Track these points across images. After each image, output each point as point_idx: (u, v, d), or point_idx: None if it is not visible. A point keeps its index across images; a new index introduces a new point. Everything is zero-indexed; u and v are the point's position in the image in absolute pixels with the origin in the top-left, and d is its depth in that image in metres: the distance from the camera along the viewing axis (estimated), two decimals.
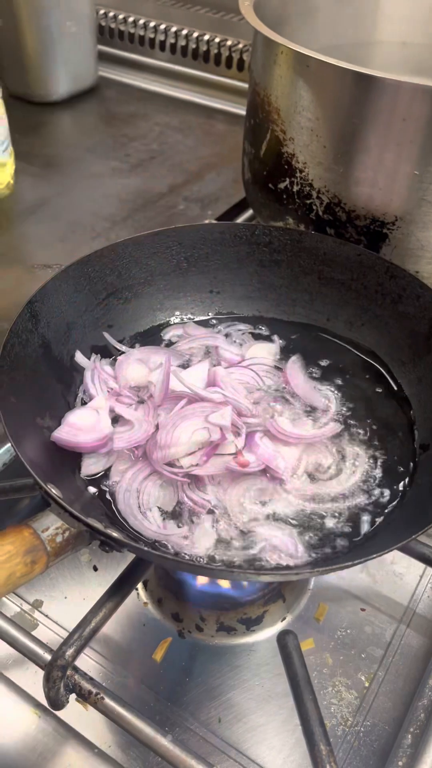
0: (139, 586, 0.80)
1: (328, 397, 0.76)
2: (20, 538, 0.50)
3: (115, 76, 1.67)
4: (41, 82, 1.48)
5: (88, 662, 0.74)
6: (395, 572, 0.84)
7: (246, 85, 1.48)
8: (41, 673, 0.58)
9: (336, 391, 0.77)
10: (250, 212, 1.18)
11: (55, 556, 0.51)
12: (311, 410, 0.74)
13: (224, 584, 0.75)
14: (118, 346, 0.80)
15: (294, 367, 0.79)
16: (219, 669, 0.75)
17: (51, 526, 0.52)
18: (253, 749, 0.69)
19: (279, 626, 0.78)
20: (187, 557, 0.59)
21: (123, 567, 0.78)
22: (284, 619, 0.78)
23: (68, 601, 0.80)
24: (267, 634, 0.77)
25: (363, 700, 0.72)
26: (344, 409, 0.75)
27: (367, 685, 0.73)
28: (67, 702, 0.57)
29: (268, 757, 0.68)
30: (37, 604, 0.80)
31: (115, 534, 0.51)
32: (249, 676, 0.74)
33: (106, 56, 1.68)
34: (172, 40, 1.63)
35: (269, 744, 0.69)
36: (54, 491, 0.53)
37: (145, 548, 0.53)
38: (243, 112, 1.45)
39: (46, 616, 0.79)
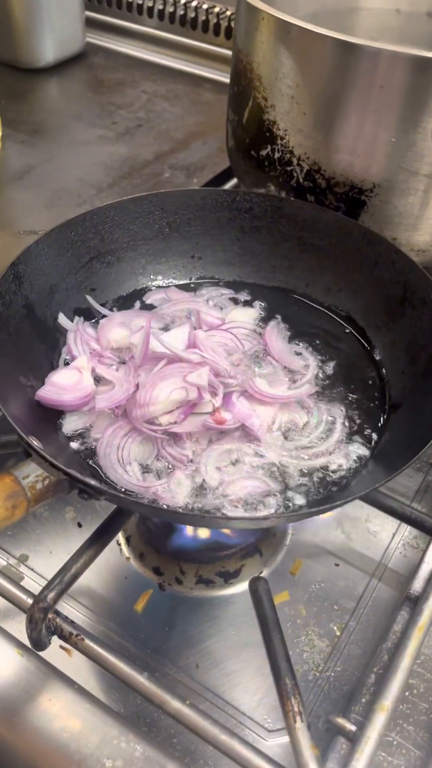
0: (122, 542, 0.83)
1: (305, 360, 0.79)
2: (2, 485, 0.52)
3: (102, 42, 1.66)
4: (28, 48, 1.47)
5: (72, 613, 0.77)
6: (369, 530, 0.87)
7: None
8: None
9: (313, 354, 0.79)
10: (234, 180, 1.19)
11: (35, 502, 0.54)
12: (289, 372, 0.77)
13: (203, 536, 0.78)
14: (101, 309, 0.82)
15: (273, 331, 0.81)
16: (197, 619, 0.78)
17: (31, 474, 0.54)
18: (229, 692, 0.72)
19: None
20: (164, 506, 0.62)
21: None
22: (261, 573, 0.82)
23: (53, 555, 0.83)
24: (244, 587, 0.80)
25: (334, 648, 0.76)
26: (320, 371, 0.78)
27: (338, 634, 0.77)
28: (49, 643, 0.61)
29: (242, 699, 0.72)
30: (22, 558, 0.83)
31: (92, 482, 0.53)
32: (225, 626, 0.77)
33: (94, 22, 1.67)
34: (160, 6, 1.62)
35: (244, 688, 0.73)
36: (35, 442, 0.56)
37: (121, 494, 0.55)
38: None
39: (32, 569, 0.82)
